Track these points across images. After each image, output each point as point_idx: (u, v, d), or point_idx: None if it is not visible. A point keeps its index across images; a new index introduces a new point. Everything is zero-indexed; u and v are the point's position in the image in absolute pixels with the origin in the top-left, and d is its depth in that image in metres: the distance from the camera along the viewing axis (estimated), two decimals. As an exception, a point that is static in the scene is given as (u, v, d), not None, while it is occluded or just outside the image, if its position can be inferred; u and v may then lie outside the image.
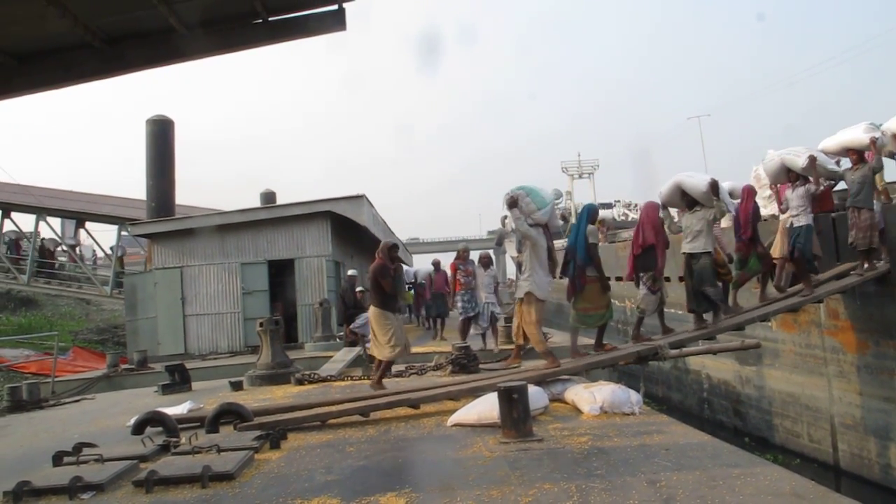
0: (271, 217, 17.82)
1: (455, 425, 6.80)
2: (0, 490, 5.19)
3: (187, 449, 6.05)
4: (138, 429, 7.22)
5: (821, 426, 11.81)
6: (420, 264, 25.53)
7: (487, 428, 6.46)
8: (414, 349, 14.08)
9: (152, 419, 7.33)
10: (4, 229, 29.45)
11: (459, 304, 12.99)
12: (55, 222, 29.53)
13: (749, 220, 10.24)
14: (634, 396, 7.13)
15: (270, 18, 7.32)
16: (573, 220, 44.64)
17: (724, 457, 5.29)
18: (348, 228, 18.35)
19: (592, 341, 9.18)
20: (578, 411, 7.09)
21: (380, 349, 8.90)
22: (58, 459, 6.04)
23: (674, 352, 8.56)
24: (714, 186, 9.09)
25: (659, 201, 9.81)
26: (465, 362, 9.83)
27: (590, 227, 8.85)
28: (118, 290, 25.33)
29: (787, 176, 10.95)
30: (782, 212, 11.05)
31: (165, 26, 6.77)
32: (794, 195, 10.52)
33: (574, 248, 8.70)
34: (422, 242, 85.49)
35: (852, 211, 10.41)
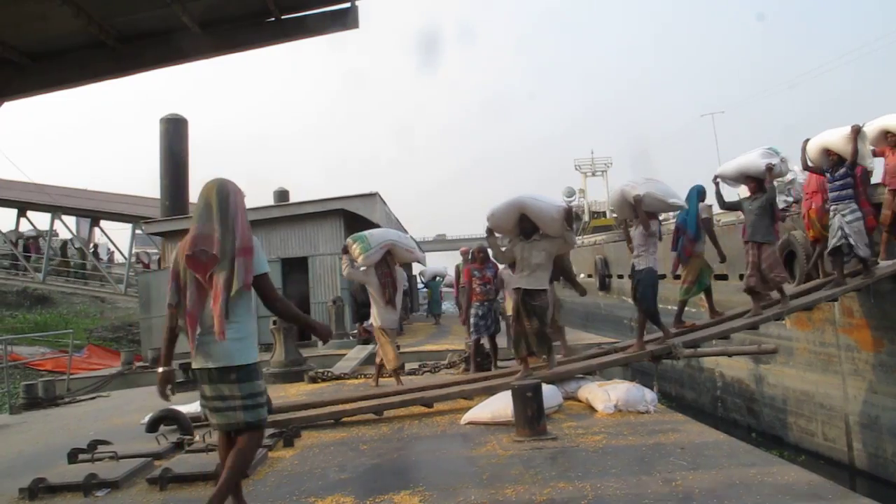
0: (284, 215, 17.86)
1: (469, 423, 6.78)
2: (16, 487, 5.22)
3: (201, 447, 6.07)
4: (152, 426, 7.24)
5: (835, 425, 11.70)
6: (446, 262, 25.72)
7: (501, 426, 6.43)
8: (428, 347, 14.14)
9: (166, 417, 7.35)
10: (20, 228, 29.71)
11: (472, 321, 9.97)
12: (70, 221, 29.73)
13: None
14: (649, 395, 7.08)
15: (283, 17, 7.33)
16: (586, 217, 44.62)
17: (740, 456, 5.24)
18: (361, 226, 18.36)
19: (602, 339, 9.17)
20: (593, 409, 7.05)
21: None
22: (73, 456, 6.07)
23: (688, 351, 8.49)
24: (568, 215, 7.71)
25: (487, 223, 8.04)
26: (478, 360, 9.79)
27: (701, 204, 9.70)
28: (132, 287, 25.48)
29: (631, 211, 8.89)
30: (630, 250, 9.06)
31: (178, 25, 6.79)
32: (636, 234, 8.80)
33: (685, 224, 9.52)
34: (447, 240, 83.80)
35: (751, 247, 9.15)
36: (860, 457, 11.06)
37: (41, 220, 29.27)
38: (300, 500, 4.66)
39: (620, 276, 22.58)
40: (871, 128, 10.06)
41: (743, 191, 10.12)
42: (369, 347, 13.21)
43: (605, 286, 24.11)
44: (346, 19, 7.26)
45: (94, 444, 6.39)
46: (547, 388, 6.63)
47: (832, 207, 9.83)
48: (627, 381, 7.89)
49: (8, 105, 7.61)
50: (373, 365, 12.00)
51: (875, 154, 10.25)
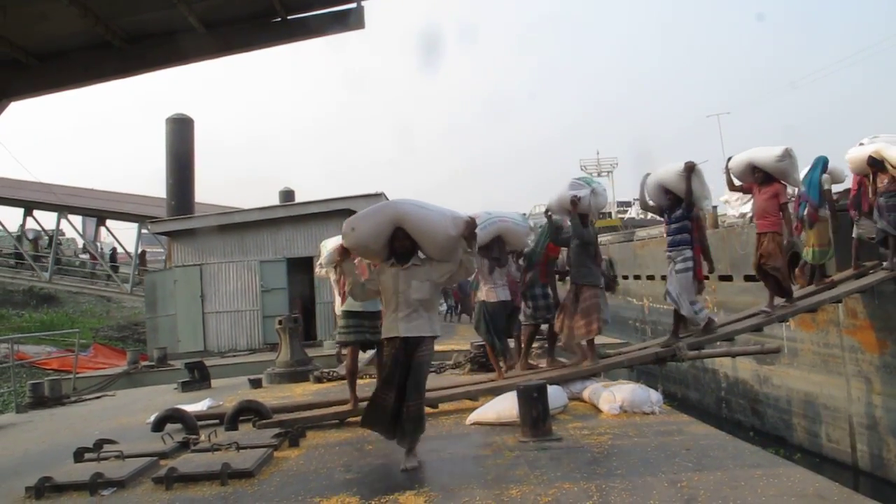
0: (290, 215, 17.89)
1: (474, 424, 6.78)
2: (23, 485, 5.24)
3: (207, 446, 6.08)
4: (158, 426, 7.27)
5: (839, 426, 11.69)
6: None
7: (506, 427, 6.43)
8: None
9: (172, 416, 7.38)
10: (27, 227, 29.81)
11: (530, 304, 8.94)
12: (76, 220, 29.83)
13: None
14: (654, 396, 7.07)
15: (289, 17, 7.33)
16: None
17: (745, 457, 5.23)
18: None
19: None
20: (598, 410, 7.04)
21: None
22: (79, 456, 6.09)
23: (692, 353, 8.47)
24: (469, 230, 5.48)
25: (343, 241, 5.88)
26: (484, 360, 9.77)
27: (823, 175, 10.29)
28: (138, 286, 25.55)
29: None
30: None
31: (184, 26, 6.80)
32: None
33: (808, 193, 10.31)
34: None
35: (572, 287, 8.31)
36: (864, 458, 11.05)
37: (48, 219, 29.39)
38: (305, 500, 4.66)
39: (626, 277, 22.58)
40: (738, 161, 9.36)
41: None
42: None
43: (610, 287, 24.01)
44: (351, 20, 7.26)
45: (99, 444, 6.42)
46: (552, 389, 6.63)
47: (667, 254, 8.68)
48: (633, 382, 7.89)
49: (14, 105, 7.63)
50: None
51: (742, 189, 9.94)
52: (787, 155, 8.96)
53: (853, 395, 11.27)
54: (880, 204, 10.19)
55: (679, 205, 8.40)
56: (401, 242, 5.52)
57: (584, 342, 8.11)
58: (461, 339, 14.23)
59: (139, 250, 29.30)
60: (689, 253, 8.32)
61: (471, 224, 5.48)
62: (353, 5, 7.26)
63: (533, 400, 5.99)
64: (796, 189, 10.59)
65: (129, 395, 12.05)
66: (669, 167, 8.65)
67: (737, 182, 9.62)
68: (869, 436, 10.94)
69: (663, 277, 10.57)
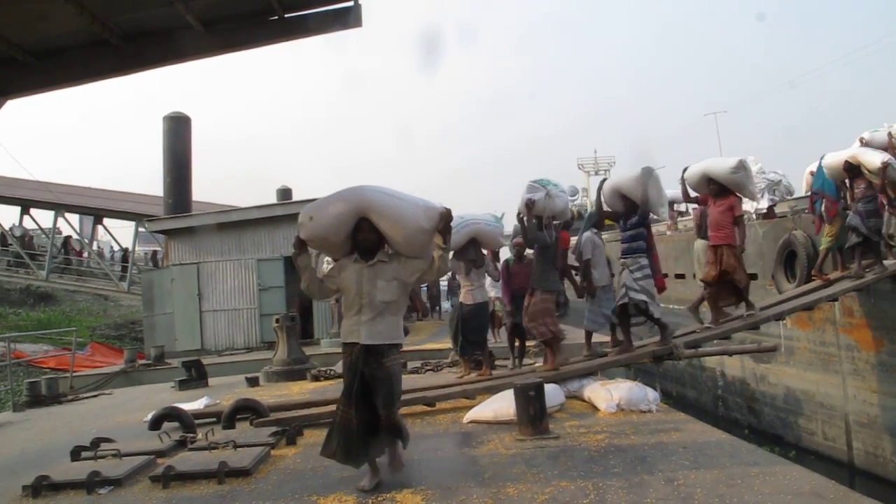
0: (287, 213, 17.84)
1: (471, 422, 6.78)
2: (19, 484, 5.24)
3: (204, 444, 6.08)
4: (155, 424, 7.26)
5: (835, 424, 11.72)
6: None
7: (503, 425, 6.44)
8: (430, 345, 14.13)
9: (169, 415, 7.37)
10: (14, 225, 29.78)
11: (588, 310, 9.01)
12: (73, 219, 29.79)
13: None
14: (651, 394, 7.08)
15: (286, 15, 7.33)
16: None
17: (742, 455, 5.25)
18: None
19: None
20: (595, 409, 7.05)
21: None
22: (76, 454, 6.09)
23: (689, 351, 8.48)
24: (445, 222, 4.87)
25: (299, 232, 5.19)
26: (480, 359, 9.78)
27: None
28: (136, 285, 25.53)
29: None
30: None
31: (181, 24, 6.80)
32: None
33: (823, 188, 10.76)
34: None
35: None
36: (859, 456, 11.09)
37: (45, 217, 29.35)
38: (303, 498, 4.67)
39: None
40: (693, 172, 9.01)
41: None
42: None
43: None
44: (348, 18, 7.26)
45: (97, 442, 6.40)
46: (549, 388, 6.65)
47: (620, 261, 8.31)
48: (630, 381, 7.89)
49: (11, 103, 7.62)
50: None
51: (698, 201, 9.68)
52: (742, 167, 8.70)
53: (849, 393, 11.30)
54: (859, 210, 10.04)
55: (635, 211, 8.18)
56: (365, 235, 4.88)
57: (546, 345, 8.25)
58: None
59: (152, 250, 29.32)
60: (644, 261, 8.08)
61: (446, 216, 4.83)
62: (351, 3, 7.26)
63: (530, 398, 6.00)
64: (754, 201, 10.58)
65: (126, 393, 12.04)
66: (626, 173, 8.53)
67: (692, 193, 9.35)
68: (865, 434, 10.97)
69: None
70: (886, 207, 10.30)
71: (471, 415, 6.88)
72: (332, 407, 7.59)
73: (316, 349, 14.68)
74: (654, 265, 8.24)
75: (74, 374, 14.07)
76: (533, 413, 5.99)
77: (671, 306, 14.43)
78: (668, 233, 19.65)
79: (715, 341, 9.11)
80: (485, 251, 9.31)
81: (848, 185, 10.36)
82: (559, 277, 8.64)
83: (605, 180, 8.73)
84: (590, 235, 8.94)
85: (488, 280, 10.07)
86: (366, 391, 4.79)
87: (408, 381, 9.09)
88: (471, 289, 9.00)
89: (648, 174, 8.05)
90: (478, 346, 9.08)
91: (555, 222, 8.58)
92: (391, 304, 4.82)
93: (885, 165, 9.75)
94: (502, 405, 6.65)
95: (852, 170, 10.14)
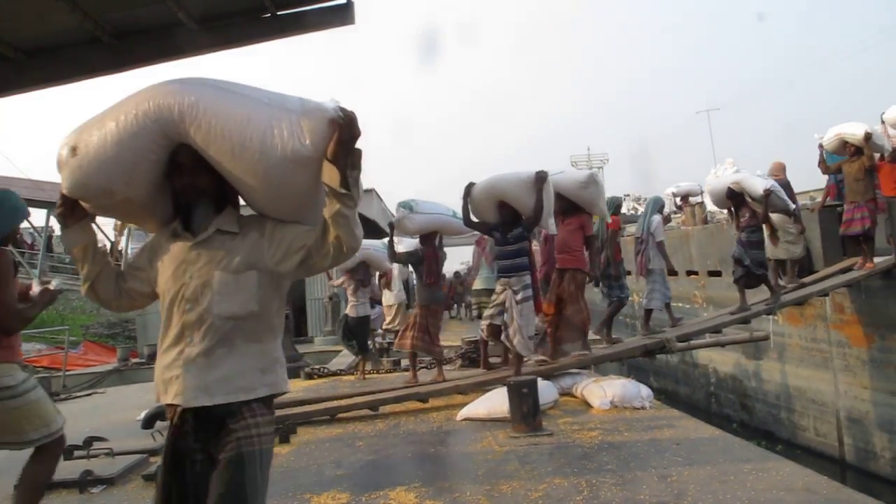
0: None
1: (465, 419, 6.79)
2: (11, 483, 5.21)
3: (197, 443, 6.05)
4: (148, 423, 7.23)
5: (827, 420, 11.76)
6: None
7: (497, 422, 6.44)
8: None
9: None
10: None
11: (605, 283, 9.59)
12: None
13: None
14: (645, 391, 7.11)
15: (279, 13, 7.31)
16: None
17: (735, 451, 5.28)
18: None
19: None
20: (588, 405, 7.06)
21: None
22: (68, 453, 6.04)
23: (681, 345, 8.51)
24: (350, 128, 2.37)
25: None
26: (474, 356, 9.81)
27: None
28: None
29: None
30: None
31: (174, 21, 6.77)
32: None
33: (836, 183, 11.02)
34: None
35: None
36: (850, 451, 11.13)
37: (37, 216, 29.22)
38: (296, 496, 4.67)
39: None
40: (511, 185, 7.59)
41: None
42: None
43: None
44: (343, 15, 7.21)
45: (89, 441, 6.38)
46: (542, 384, 6.67)
47: (501, 279, 7.57)
48: (623, 377, 7.93)
49: (2, 101, 7.59)
50: (368, 361, 12.02)
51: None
52: (593, 181, 8.00)
53: (840, 389, 11.34)
54: (742, 240, 9.17)
55: (518, 222, 7.36)
56: (187, 180, 2.47)
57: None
58: (452, 335, 14.17)
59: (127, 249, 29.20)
60: (528, 279, 7.36)
61: (349, 120, 2.30)
62: (344, 1, 7.25)
63: (523, 395, 6.03)
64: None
65: (119, 392, 12.03)
66: (509, 175, 7.49)
67: (474, 218, 8.08)
68: (856, 429, 11.02)
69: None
70: (769, 237, 9.65)
71: (464, 412, 6.89)
72: (326, 404, 7.67)
73: (309, 347, 14.69)
74: (535, 286, 7.51)
75: (67, 373, 14.06)
76: (526, 410, 6.01)
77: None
78: (684, 227, 18.70)
79: (707, 335, 9.18)
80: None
81: (734, 213, 9.52)
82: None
83: (472, 184, 7.68)
84: (659, 219, 9.64)
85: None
86: None
87: (400, 378, 9.08)
88: (356, 304, 10.35)
89: (543, 180, 7.18)
90: (366, 349, 10.55)
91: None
92: (242, 320, 2.53)
93: (768, 193, 9.02)
94: (496, 402, 6.65)
95: (735, 197, 9.29)
